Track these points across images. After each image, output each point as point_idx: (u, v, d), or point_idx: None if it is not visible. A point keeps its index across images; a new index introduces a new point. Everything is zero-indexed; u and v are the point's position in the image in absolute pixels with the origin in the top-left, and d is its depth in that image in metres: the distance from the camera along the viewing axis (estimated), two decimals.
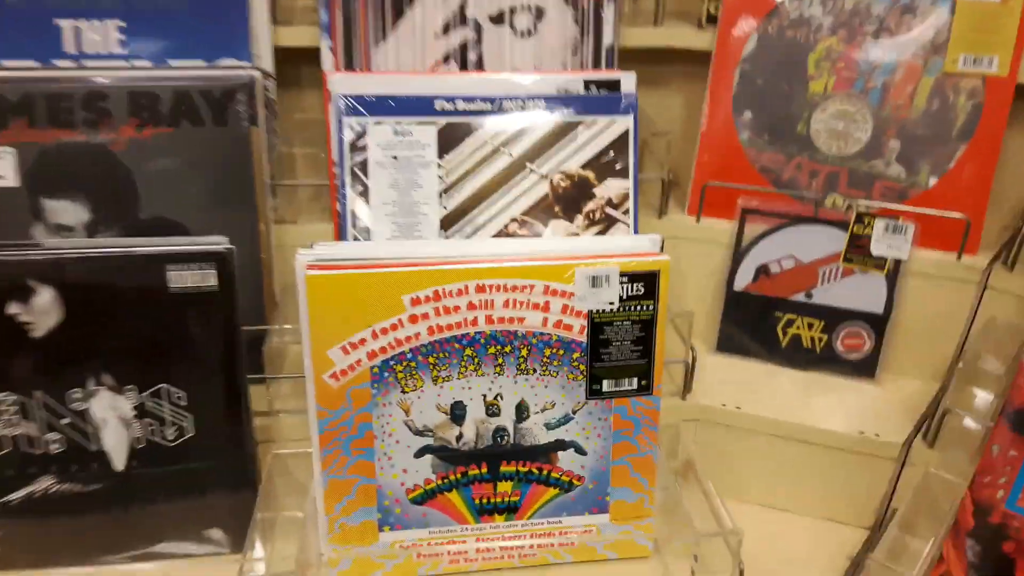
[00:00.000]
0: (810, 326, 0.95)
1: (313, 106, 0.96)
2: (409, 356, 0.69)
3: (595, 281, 0.69)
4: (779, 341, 0.96)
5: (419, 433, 0.72)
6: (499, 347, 0.70)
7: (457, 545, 0.76)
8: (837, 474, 0.87)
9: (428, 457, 0.73)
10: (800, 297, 0.94)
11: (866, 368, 0.94)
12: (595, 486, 0.76)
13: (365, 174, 0.81)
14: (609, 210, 0.86)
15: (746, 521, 0.76)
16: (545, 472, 0.75)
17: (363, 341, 0.68)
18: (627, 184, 0.86)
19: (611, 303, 0.69)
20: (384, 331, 0.68)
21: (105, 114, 0.77)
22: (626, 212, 0.86)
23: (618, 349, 0.71)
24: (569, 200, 0.85)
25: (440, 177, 0.83)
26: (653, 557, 0.79)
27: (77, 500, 0.75)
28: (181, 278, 0.70)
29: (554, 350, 0.70)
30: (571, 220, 0.85)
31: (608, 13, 0.92)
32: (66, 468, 0.74)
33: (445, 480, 0.74)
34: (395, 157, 0.82)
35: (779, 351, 0.96)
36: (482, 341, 0.69)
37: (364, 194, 0.81)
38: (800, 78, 0.93)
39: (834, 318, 0.94)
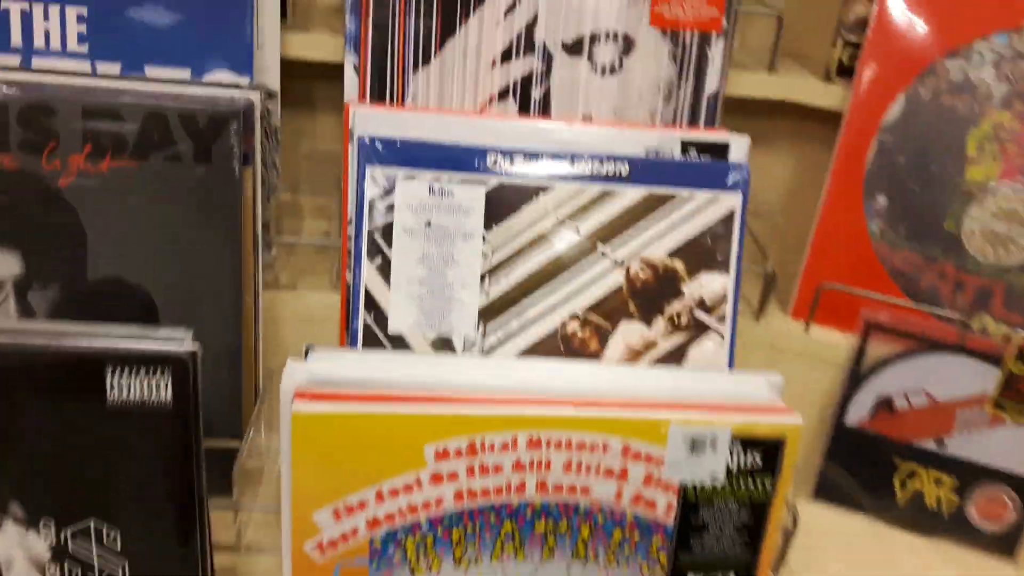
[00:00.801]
0: (938, 482, 0.73)
1: (327, 136, 0.77)
2: (425, 528, 0.48)
3: (696, 445, 0.48)
4: (895, 496, 0.75)
5: None
6: (551, 523, 0.49)
7: None
8: None
9: None
10: (929, 444, 0.73)
11: (1007, 545, 0.72)
12: None
13: (388, 242, 0.62)
14: (700, 314, 0.65)
15: None
16: None
17: (363, 504, 0.47)
18: (726, 281, 0.66)
19: (715, 476, 0.49)
20: (394, 492, 0.47)
21: (50, 136, 0.58)
22: (721, 319, 0.66)
23: (716, 538, 0.50)
24: (649, 297, 0.65)
25: (485, 254, 0.63)
26: None
27: None
28: (122, 388, 0.50)
29: (627, 533, 0.50)
30: (648, 323, 0.65)
31: (715, 52, 0.72)
32: None
33: None
34: (428, 223, 0.62)
35: (894, 508, 0.75)
36: (528, 514, 0.49)
37: (384, 268, 0.62)
38: (956, 160, 0.72)
39: (971, 476, 0.72)
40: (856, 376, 0.73)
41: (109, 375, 0.50)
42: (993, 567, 0.72)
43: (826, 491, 0.76)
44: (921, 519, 0.74)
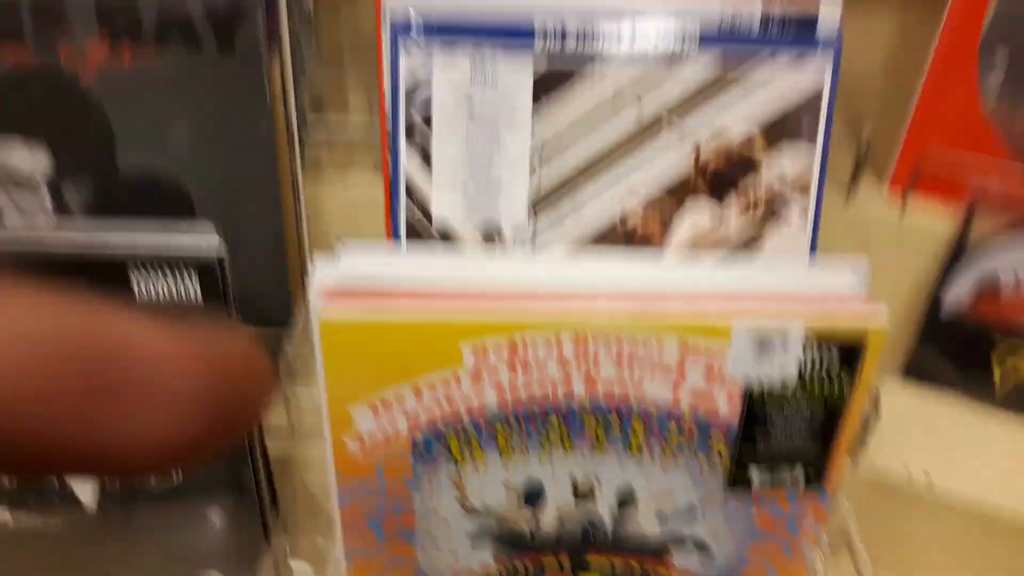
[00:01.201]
0: None
1: (367, 14, 0.70)
2: (468, 425, 0.46)
3: (763, 344, 0.43)
4: (992, 379, 0.68)
5: (476, 514, 0.51)
6: (602, 420, 0.46)
7: None
8: None
9: (488, 542, 0.52)
10: None
11: None
12: None
13: (428, 125, 0.56)
14: (780, 191, 0.59)
15: None
16: (650, 571, 0.53)
17: (400, 399, 0.45)
18: (812, 153, 0.58)
19: (785, 376, 0.44)
20: (432, 387, 0.45)
21: (61, 22, 0.54)
22: (805, 196, 0.59)
23: (784, 434, 0.46)
24: (721, 175, 0.58)
25: (535, 134, 0.57)
26: None
27: (37, 537, 0.58)
28: (150, 289, 0.48)
29: (685, 431, 0.46)
30: (720, 205, 0.59)
31: None
32: (22, 499, 0.57)
33: (510, 568, 0.53)
34: (471, 102, 0.56)
35: (990, 391, 0.69)
36: (577, 412, 0.46)
37: (424, 154, 0.57)
38: None
39: None
40: (959, 254, 0.66)
41: (134, 277, 0.48)
42: None
43: (916, 369, 0.70)
44: (1018, 401, 0.68)
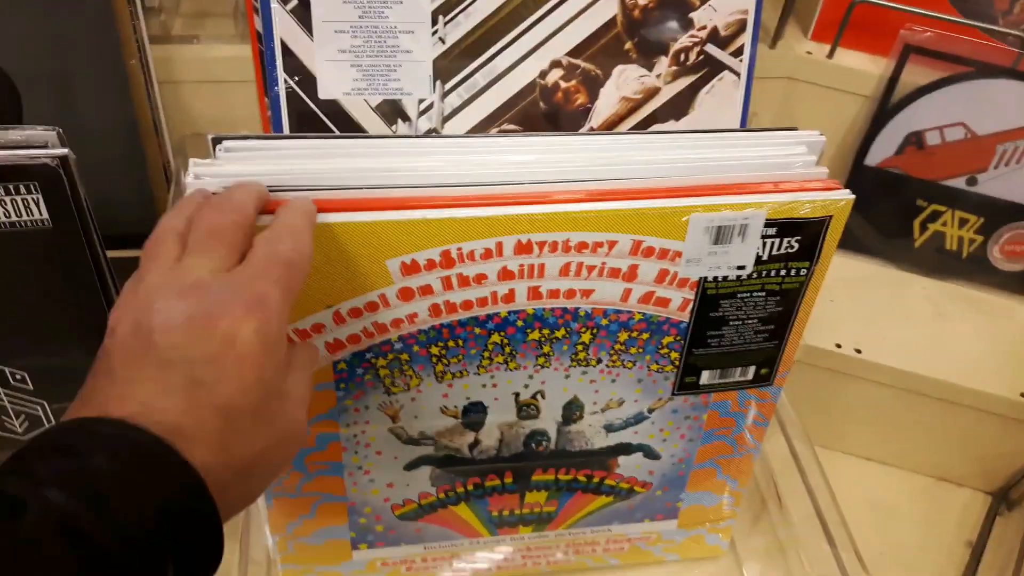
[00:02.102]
0: (962, 223, 0.65)
1: None
2: (398, 346, 0.39)
3: (722, 235, 0.38)
4: (913, 239, 0.67)
5: (412, 442, 0.44)
6: (546, 332, 0.40)
7: (463, 562, 0.52)
8: (976, 434, 0.63)
9: (425, 469, 0.46)
10: (959, 182, 0.64)
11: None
12: (664, 492, 0.50)
13: None
14: (712, 49, 0.52)
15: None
16: (596, 480, 0.49)
17: (319, 328, 0.37)
18: (745, 5, 0.52)
19: (742, 267, 0.39)
20: (356, 312, 0.37)
21: None
22: (738, 53, 0.53)
23: (736, 331, 0.42)
24: (650, 30, 0.51)
25: None
26: (726, 556, 0.57)
27: None
28: None
29: (634, 334, 0.41)
30: (649, 65, 0.52)
31: None
32: None
33: (450, 493, 0.48)
34: None
35: (910, 252, 0.67)
36: (519, 324, 0.40)
37: (301, 12, 0.46)
38: None
39: (999, 216, 0.64)
40: (884, 108, 0.62)
41: None
42: (1008, 305, 0.67)
43: (843, 240, 0.67)
44: (939, 261, 0.67)
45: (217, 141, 0.37)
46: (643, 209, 0.37)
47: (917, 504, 0.66)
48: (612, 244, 0.38)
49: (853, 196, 0.39)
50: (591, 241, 0.37)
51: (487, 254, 0.37)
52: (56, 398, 0.46)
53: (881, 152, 0.64)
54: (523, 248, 0.37)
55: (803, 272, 0.41)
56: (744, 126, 0.55)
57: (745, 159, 0.40)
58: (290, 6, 0.46)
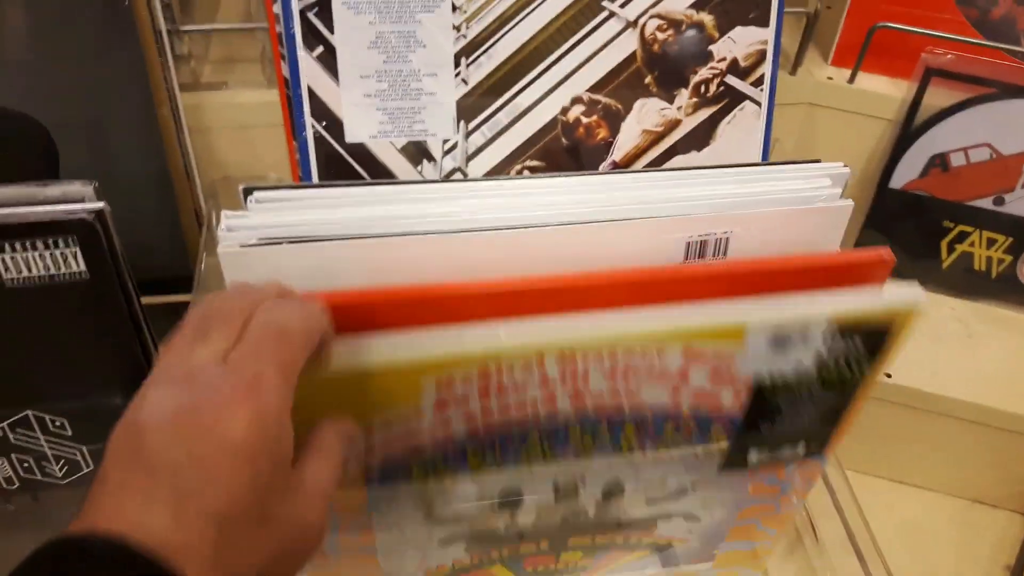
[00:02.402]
0: (990, 243, 0.65)
1: None
2: (433, 451, 0.39)
3: (781, 340, 0.37)
4: (940, 260, 0.67)
5: (446, 523, 0.44)
6: (589, 431, 0.40)
7: None
8: (1011, 455, 0.63)
9: (461, 543, 0.46)
10: (985, 203, 0.64)
11: None
12: (703, 544, 0.50)
13: (327, 23, 0.47)
14: (732, 80, 0.53)
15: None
16: (634, 539, 0.49)
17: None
18: (765, 36, 0.52)
19: (801, 366, 0.39)
20: (388, 424, 0.37)
21: None
22: (759, 84, 0.53)
23: (790, 419, 0.41)
24: (670, 63, 0.52)
25: (457, 27, 0.48)
26: None
27: None
28: (20, 265, 0.39)
29: (682, 429, 0.40)
30: (669, 98, 0.52)
31: None
32: None
33: (484, 559, 0.47)
34: None
35: (938, 274, 0.67)
36: (561, 428, 0.39)
37: (327, 58, 0.47)
38: None
39: None
40: (908, 131, 0.62)
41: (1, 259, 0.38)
42: None
43: None
44: (967, 282, 0.67)
45: (248, 192, 0.38)
46: (698, 326, 0.36)
47: (953, 527, 0.65)
48: (661, 352, 0.37)
49: (923, 297, 0.39)
50: (640, 350, 0.36)
51: (527, 366, 0.36)
52: (93, 441, 0.47)
53: (906, 175, 0.63)
54: (566, 359, 0.36)
55: (865, 371, 0.40)
56: (766, 155, 0.55)
57: (769, 194, 0.40)
58: (316, 53, 0.47)
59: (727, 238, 0.38)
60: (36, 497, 0.49)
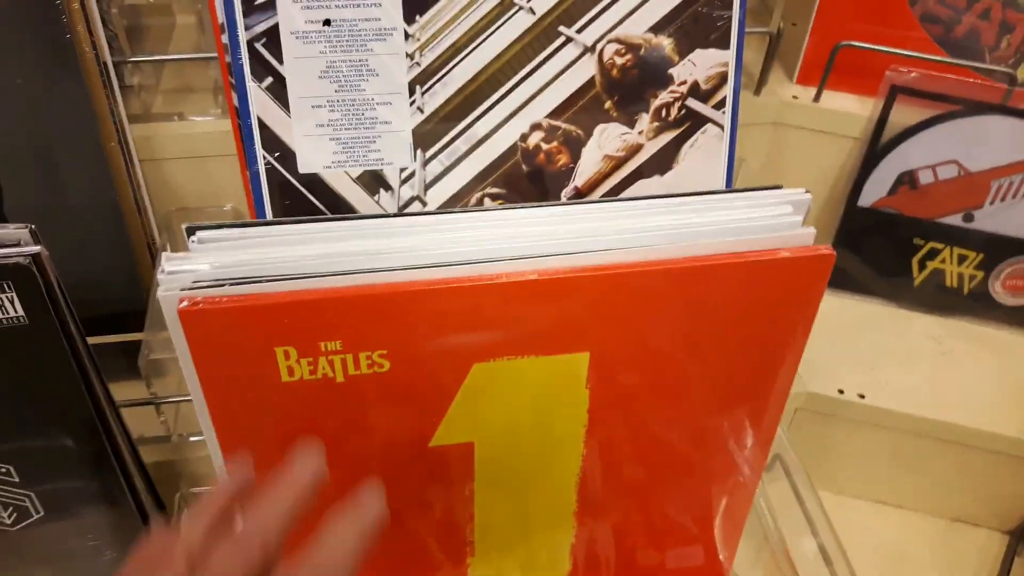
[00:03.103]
0: (961, 259, 0.64)
1: None
2: None
3: None
4: (912, 277, 0.66)
5: None
6: None
7: None
8: (989, 474, 0.62)
9: None
10: (955, 220, 0.63)
11: None
12: None
13: (276, 54, 0.46)
14: (694, 104, 0.52)
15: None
16: None
17: None
18: (726, 58, 0.51)
19: None
20: None
21: None
22: (720, 107, 0.52)
23: None
24: (630, 88, 0.51)
25: (411, 56, 0.47)
26: None
27: None
28: None
29: None
30: (630, 123, 0.51)
31: None
32: None
33: None
34: (327, 22, 0.46)
35: (909, 291, 0.66)
36: None
37: (277, 90, 0.46)
38: None
39: (999, 251, 0.63)
40: (874, 150, 0.61)
41: None
42: (1013, 340, 0.66)
43: (837, 278, 0.66)
44: (940, 299, 0.66)
45: (191, 232, 0.37)
46: None
47: (932, 547, 0.65)
48: None
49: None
50: None
51: None
52: (42, 484, 0.46)
53: (874, 193, 0.63)
54: None
55: None
56: (731, 177, 0.54)
57: (730, 223, 0.39)
58: (265, 84, 0.46)
59: None
60: None
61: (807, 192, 0.40)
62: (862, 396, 0.60)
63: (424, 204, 0.50)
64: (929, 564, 0.63)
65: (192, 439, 0.53)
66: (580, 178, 0.52)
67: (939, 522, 0.66)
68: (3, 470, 0.44)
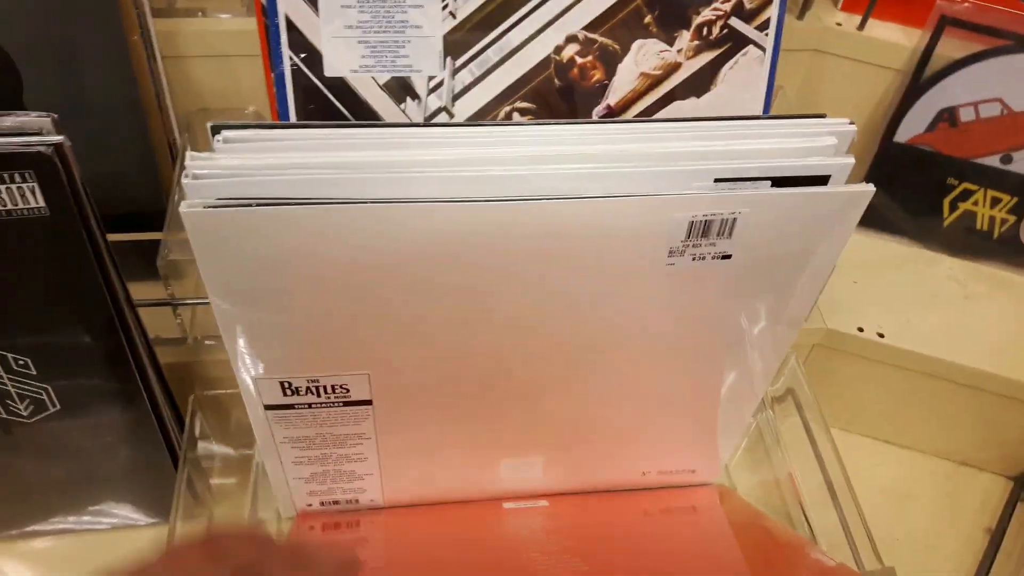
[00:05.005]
0: (995, 202, 0.63)
1: None
2: None
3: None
4: (942, 218, 0.65)
5: None
6: None
7: None
8: (999, 419, 0.62)
9: None
10: (992, 161, 0.61)
11: None
12: None
13: None
14: (736, 23, 0.50)
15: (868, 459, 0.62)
16: None
17: None
18: None
19: None
20: None
21: None
22: (764, 27, 0.50)
23: None
24: (672, 2, 0.49)
25: None
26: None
27: None
28: None
29: None
30: (670, 40, 0.50)
31: None
32: None
33: None
34: None
35: (938, 232, 0.65)
36: None
37: None
38: None
39: None
40: (917, 83, 0.59)
41: None
42: None
43: (867, 216, 0.65)
44: (968, 241, 0.65)
45: (216, 130, 0.35)
46: None
47: (937, 489, 0.65)
48: None
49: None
50: None
51: None
52: (59, 379, 0.46)
53: (912, 128, 0.61)
54: None
55: None
56: (768, 104, 0.52)
57: (773, 156, 0.38)
58: None
59: (734, 219, 0.36)
60: (9, 431, 0.48)
61: (851, 123, 0.39)
62: (881, 335, 0.59)
63: (451, 115, 0.49)
64: (932, 505, 0.64)
65: (208, 342, 0.53)
66: (614, 96, 0.50)
67: (946, 464, 0.66)
68: (21, 362, 0.45)
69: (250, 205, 0.32)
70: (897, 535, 0.61)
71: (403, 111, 0.48)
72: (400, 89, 0.48)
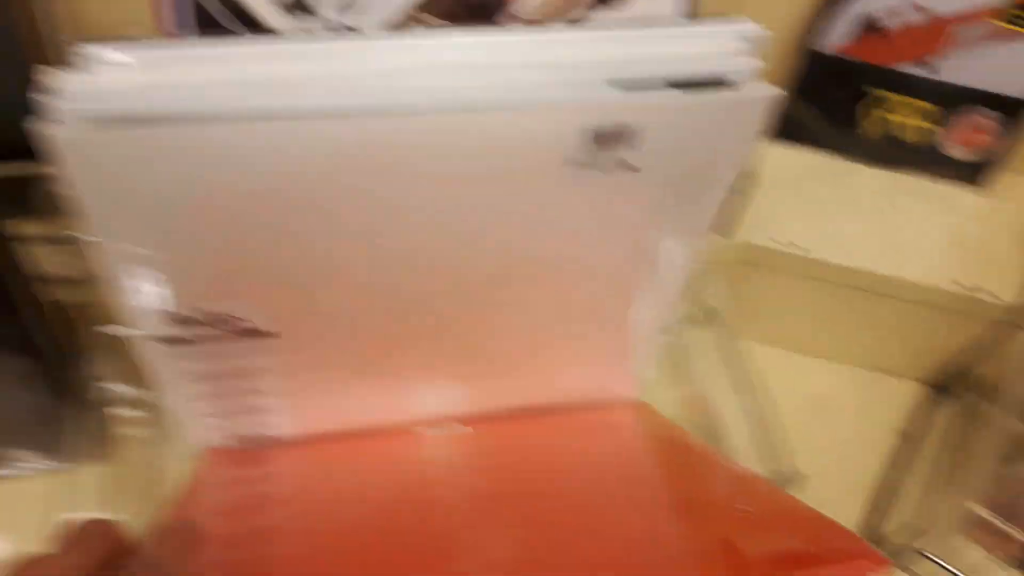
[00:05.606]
0: (915, 111, 0.62)
1: None
2: None
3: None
4: (861, 126, 0.64)
5: None
6: None
7: None
8: (915, 325, 0.63)
9: None
10: (912, 68, 0.61)
11: (974, 172, 0.64)
12: None
13: None
14: None
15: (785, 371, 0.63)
16: None
17: None
18: None
19: None
20: None
21: None
22: None
23: None
24: None
25: None
26: None
27: None
28: None
29: None
30: None
31: None
32: None
33: None
34: None
35: (859, 143, 0.65)
36: None
37: None
38: None
39: (955, 103, 0.61)
40: None
41: None
42: (957, 195, 0.66)
43: (789, 129, 0.64)
44: (888, 151, 0.65)
45: (90, 49, 0.32)
46: None
47: (857, 397, 0.66)
48: None
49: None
50: None
51: None
52: None
53: (831, 36, 0.60)
54: None
55: None
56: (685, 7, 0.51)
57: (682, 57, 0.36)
58: None
59: (635, 127, 0.34)
60: None
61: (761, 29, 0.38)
62: (801, 248, 0.59)
63: (350, 30, 0.46)
64: (852, 413, 0.65)
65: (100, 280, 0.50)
66: (524, 10, 0.48)
67: (865, 373, 0.68)
68: None
69: (129, 125, 0.29)
70: (820, 443, 0.62)
71: (298, 28, 0.45)
72: (295, 5, 0.45)
